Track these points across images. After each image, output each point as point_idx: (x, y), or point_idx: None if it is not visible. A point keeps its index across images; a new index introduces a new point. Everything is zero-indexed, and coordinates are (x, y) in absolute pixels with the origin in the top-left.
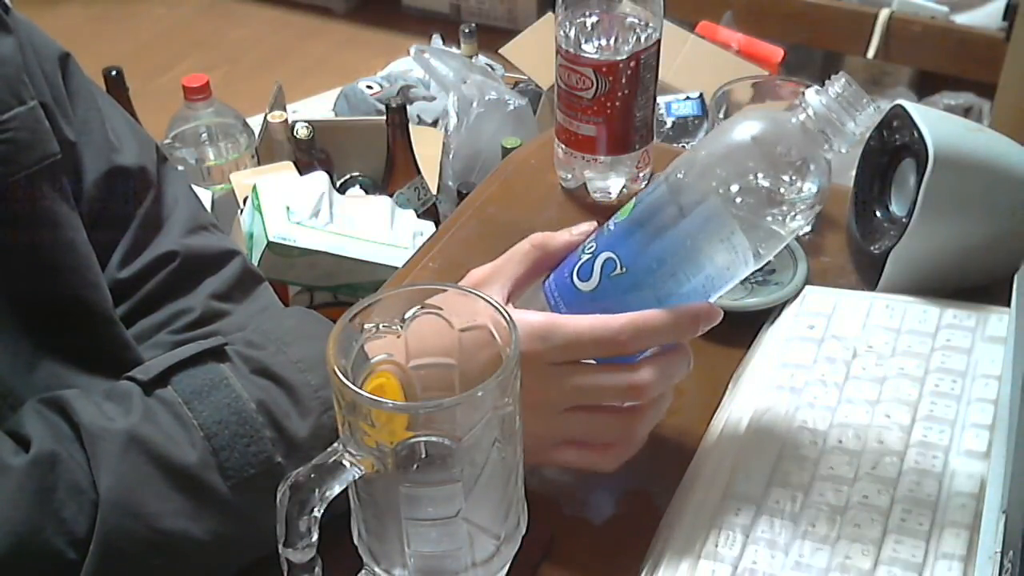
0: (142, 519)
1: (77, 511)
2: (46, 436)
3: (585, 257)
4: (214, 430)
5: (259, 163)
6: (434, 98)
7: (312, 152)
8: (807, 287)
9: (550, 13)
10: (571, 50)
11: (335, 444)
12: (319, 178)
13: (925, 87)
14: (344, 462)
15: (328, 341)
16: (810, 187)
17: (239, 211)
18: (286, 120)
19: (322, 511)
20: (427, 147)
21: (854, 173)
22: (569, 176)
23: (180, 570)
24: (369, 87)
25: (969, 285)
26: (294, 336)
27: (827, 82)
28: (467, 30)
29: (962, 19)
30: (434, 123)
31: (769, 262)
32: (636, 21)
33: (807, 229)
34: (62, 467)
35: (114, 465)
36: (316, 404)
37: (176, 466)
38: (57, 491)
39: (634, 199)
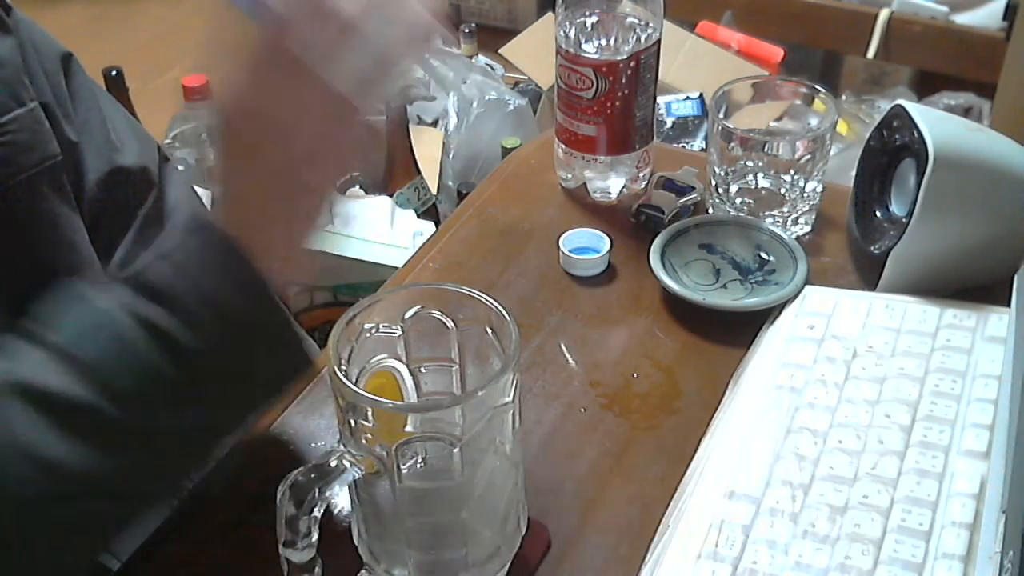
0: (28, 458)
1: None
2: None
3: None
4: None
5: None
6: (434, 98)
7: None
8: (807, 287)
9: (550, 13)
10: (571, 50)
11: (335, 444)
12: None
13: (925, 87)
14: (344, 462)
15: (329, 341)
16: None
17: None
18: None
19: (322, 511)
20: (427, 147)
21: (854, 173)
22: (569, 176)
23: (96, 512)
24: None
25: (969, 285)
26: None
27: None
28: (467, 30)
29: (962, 19)
30: (434, 123)
31: (769, 262)
32: (636, 21)
33: (807, 229)
34: None
35: None
36: (196, 306)
37: (60, 400)
38: None
39: None
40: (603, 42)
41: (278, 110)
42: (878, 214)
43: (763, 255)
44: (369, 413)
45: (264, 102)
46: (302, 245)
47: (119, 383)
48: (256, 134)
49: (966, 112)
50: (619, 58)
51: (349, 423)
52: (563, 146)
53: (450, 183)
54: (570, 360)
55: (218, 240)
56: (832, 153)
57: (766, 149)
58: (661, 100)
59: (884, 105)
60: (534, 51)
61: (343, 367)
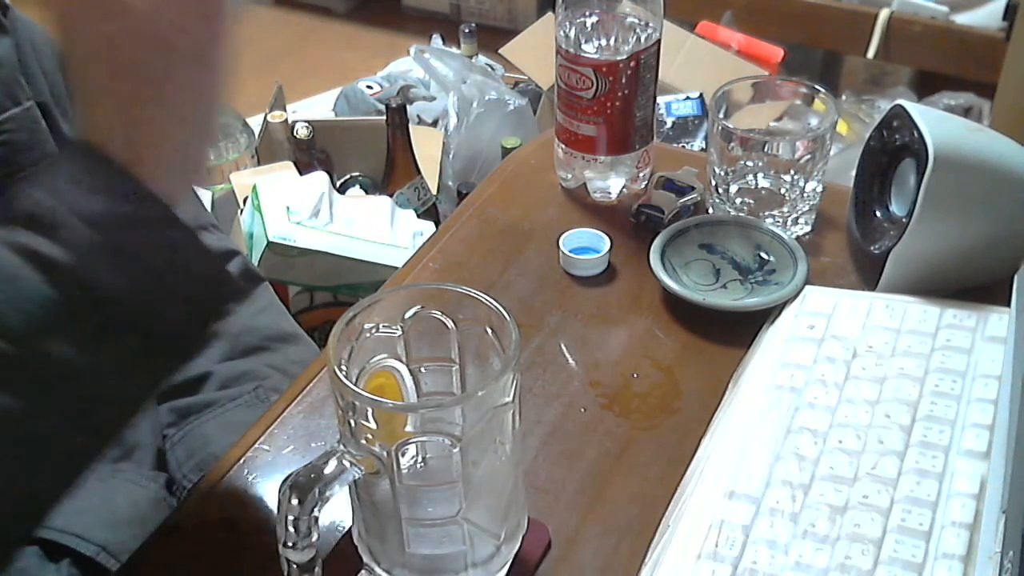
0: None
1: None
2: None
3: None
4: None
5: (259, 163)
6: (434, 98)
7: (312, 152)
8: (807, 287)
9: (550, 13)
10: (571, 50)
11: (335, 444)
12: (319, 178)
13: (925, 87)
14: (344, 462)
15: (329, 341)
16: None
17: (239, 211)
18: (286, 120)
19: (322, 511)
20: (427, 147)
21: (854, 173)
22: (569, 176)
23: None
24: (369, 87)
25: (969, 285)
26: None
27: None
28: (467, 30)
29: (962, 19)
30: (434, 123)
31: (769, 262)
32: (636, 21)
33: (807, 229)
34: None
35: None
36: (75, 226)
37: None
38: None
39: None
40: (603, 42)
41: None
42: (878, 214)
43: (763, 255)
44: (369, 413)
45: None
46: (182, 146)
47: (9, 319)
48: (100, 19)
49: (966, 112)
50: (619, 58)
51: (349, 423)
52: (563, 146)
53: (450, 183)
54: (570, 360)
55: (83, 151)
56: (832, 153)
57: (766, 149)
58: (661, 100)
59: (884, 105)
60: (534, 51)
61: (343, 367)
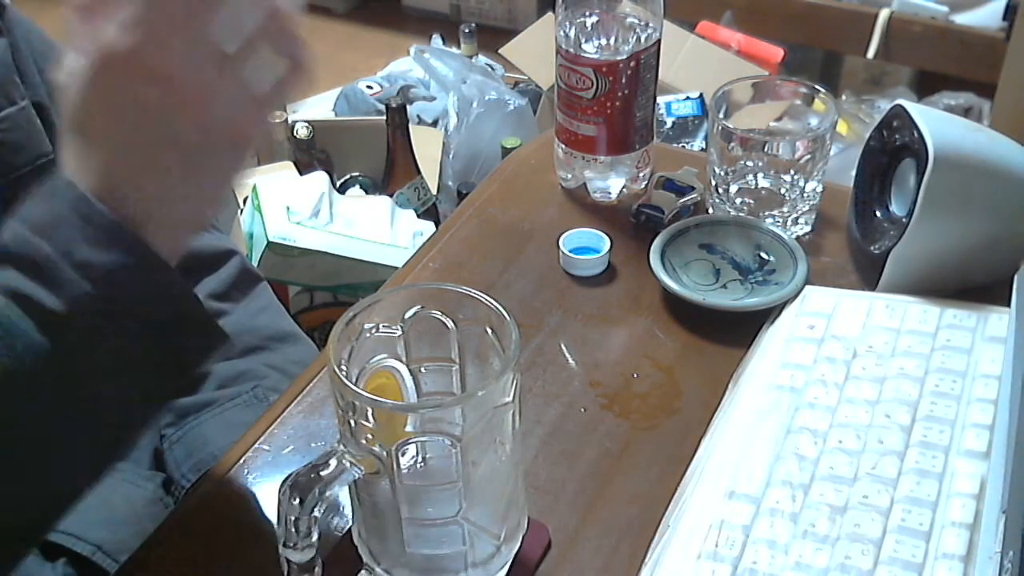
0: None
1: None
2: None
3: None
4: None
5: (259, 163)
6: (434, 98)
7: (312, 152)
8: (807, 287)
9: (550, 13)
10: (571, 50)
11: (335, 444)
12: (319, 178)
13: (925, 87)
14: (344, 462)
15: (329, 341)
16: None
17: (239, 211)
18: (286, 120)
19: (322, 511)
20: (427, 147)
21: (854, 173)
22: (569, 176)
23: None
24: (369, 87)
25: (969, 285)
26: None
27: None
28: (467, 30)
29: (962, 19)
30: (434, 123)
31: (769, 262)
32: (636, 21)
33: (807, 229)
34: None
35: None
36: (63, 268)
37: None
38: None
39: None
40: (603, 42)
41: (158, 55)
42: (878, 214)
43: (763, 255)
44: (369, 413)
45: (145, 44)
46: (194, 212)
47: None
48: (132, 78)
49: (966, 112)
50: (619, 58)
51: (349, 423)
52: (563, 146)
53: (450, 183)
54: (570, 360)
55: (85, 200)
56: (832, 153)
57: (766, 149)
58: (661, 100)
59: (884, 105)
60: (534, 51)
61: (343, 367)
